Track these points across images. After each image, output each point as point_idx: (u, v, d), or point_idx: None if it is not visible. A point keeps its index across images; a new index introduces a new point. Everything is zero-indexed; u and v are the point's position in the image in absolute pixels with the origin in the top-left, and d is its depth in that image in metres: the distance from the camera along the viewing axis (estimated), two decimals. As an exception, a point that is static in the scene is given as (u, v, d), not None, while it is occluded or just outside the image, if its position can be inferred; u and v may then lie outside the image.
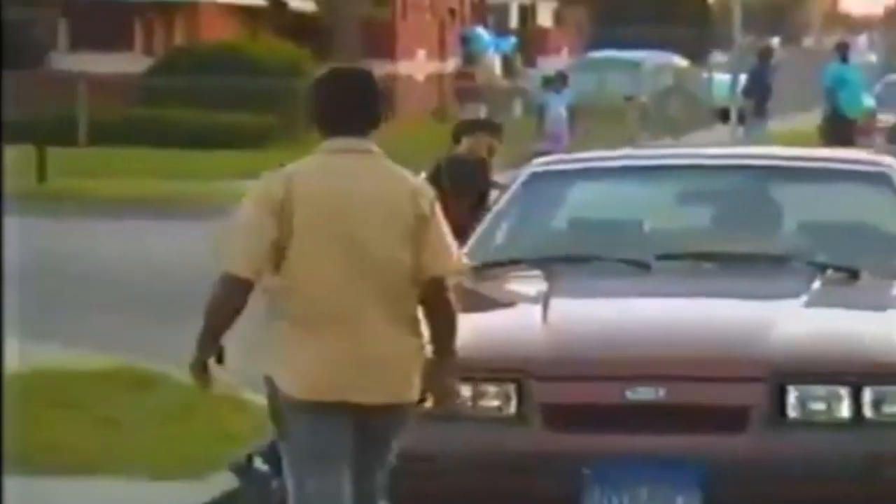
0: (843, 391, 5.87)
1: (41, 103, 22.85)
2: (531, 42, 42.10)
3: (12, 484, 6.83)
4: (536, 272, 7.12)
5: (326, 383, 5.48)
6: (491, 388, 6.10)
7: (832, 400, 5.88)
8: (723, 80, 32.72)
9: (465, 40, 33.55)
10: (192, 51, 32.57)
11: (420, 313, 5.56)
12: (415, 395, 5.50)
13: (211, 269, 5.65)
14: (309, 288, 5.51)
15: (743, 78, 27.61)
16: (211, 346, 5.56)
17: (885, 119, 27.42)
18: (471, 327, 6.64)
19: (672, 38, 41.24)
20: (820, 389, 5.90)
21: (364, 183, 5.54)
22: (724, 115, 30.60)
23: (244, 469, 7.71)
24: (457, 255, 5.67)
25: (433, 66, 39.26)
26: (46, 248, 16.59)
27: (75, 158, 23.92)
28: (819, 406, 5.90)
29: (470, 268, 6.34)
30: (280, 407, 5.57)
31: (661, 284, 6.99)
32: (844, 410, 5.87)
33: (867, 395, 5.85)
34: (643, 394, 5.96)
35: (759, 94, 27.81)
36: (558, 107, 27.54)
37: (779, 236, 7.46)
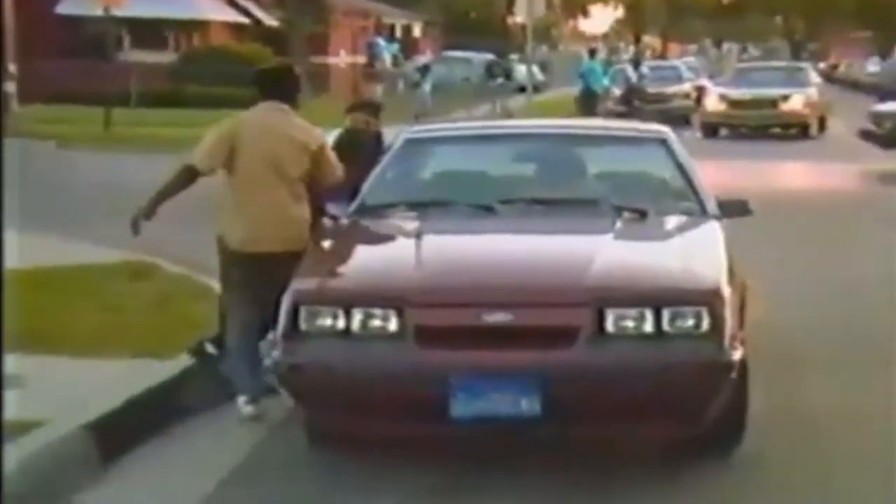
0: (648, 312, 5.41)
1: (110, 81, 24.99)
2: (408, 46, 47.24)
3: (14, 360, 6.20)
4: (411, 214, 6.63)
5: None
6: (377, 312, 5.53)
7: (639, 319, 5.42)
8: (520, 68, 40.21)
9: (370, 45, 37.72)
10: (202, 50, 36.58)
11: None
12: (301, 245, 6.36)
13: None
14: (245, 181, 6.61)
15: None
16: (153, 207, 6.63)
17: (614, 91, 29.73)
18: (362, 260, 6.23)
19: (487, 45, 46.45)
20: (631, 311, 5.43)
21: (280, 125, 6.67)
22: (521, 89, 36.19)
23: (198, 351, 7.19)
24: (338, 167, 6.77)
25: (351, 60, 44.46)
26: (106, 173, 18.14)
27: (128, 116, 26.03)
28: (630, 324, 5.43)
29: (361, 207, 6.78)
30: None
31: (504, 224, 6.53)
32: (648, 326, 5.41)
33: (665, 314, 5.41)
34: (496, 317, 5.43)
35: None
36: (425, 85, 31.34)
37: (586, 187, 7.07)
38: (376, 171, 7.07)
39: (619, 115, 26.62)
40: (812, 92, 27.06)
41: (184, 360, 7.20)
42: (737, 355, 5.48)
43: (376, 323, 5.51)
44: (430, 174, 7.35)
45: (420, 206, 6.70)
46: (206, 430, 6.58)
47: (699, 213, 6.68)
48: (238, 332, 6.69)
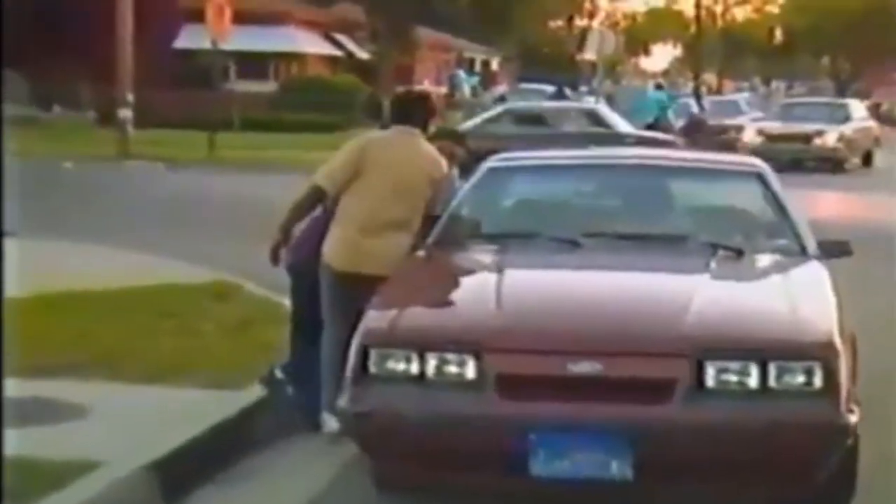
0: (753, 365, 4.32)
1: (216, 108, 24.67)
2: (487, 78, 46.62)
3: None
4: (491, 246, 5.54)
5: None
6: (452, 357, 4.49)
7: (743, 373, 4.33)
8: (589, 99, 37.43)
9: (452, 77, 36.64)
10: (300, 80, 36.08)
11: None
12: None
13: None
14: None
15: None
16: (286, 231, 5.92)
17: (678, 123, 27.61)
18: (438, 298, 5.08)
19: (558, 79, 44.55)
20: (734, 364, 4.34)
21: (410, 151, 5.91)
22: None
23: (269, 380, 6.23)
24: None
25: (434, 90, 43.99)
26: (210, 191, 17.55)
27: (231, 139, 25.41)
28: (732, 378, 4.34)
29: (439, 239, 5.75)
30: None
31: (590, 260, 5.42)
32: (753, 382, 4.32)
33: (772, 368, 4.31)
34: (583, 367, 4.36)
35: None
36: None
37: (676, 222, 5.90)
38: (456, 202, 5.99)
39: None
40: (849, 128, 25.48)
41: (256, 391, 6.24)
42: (853, 418, 4.36)
43: (452, 369, 4.48)
44: (512, 205, 6.25)
45: (501, 239, 5.62)
46: (275, 466, 5.61)
47: (798, 253, 5.53)
48: (330, 347, 5.80)
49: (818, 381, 4.30)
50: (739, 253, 5.35)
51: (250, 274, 9.04)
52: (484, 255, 5.45)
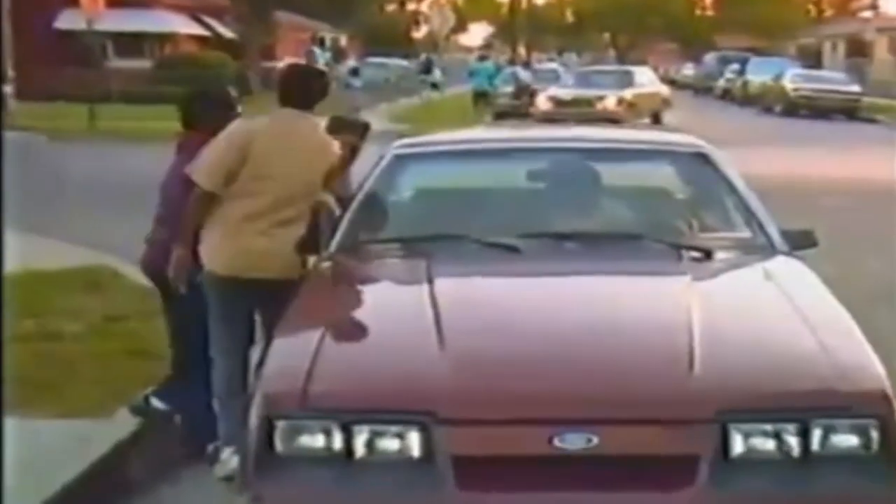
0: (790, 427, 2.62)
1: (97, 85, 21.87)
2: (337, 53, 42.98)
3: None
4: (412, 256, 3.59)
5: None
6: (390, 429, 2.63)
7: (779, 437, 2.62)
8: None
9: (308, 52, 33.97)
10: (173, 56, 33.11)
11: None
12: None
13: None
14: None
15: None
16: (187, 244, 4.01)
17: (505, 89, 26.38)
18: (362, 340, 3.00)
19: (397, 53, 43.98)
20: (766, 427, 2.62)
21: (308, 138, 4.08)
22: (433, 86, 32.88)
23: (144, 410, 4.33)
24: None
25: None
26: (91, 161, 14.66)
27: (111, 110, 22.31)
28: (766, 445, 2.62)
29: (349, 247, 3.76)
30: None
31: (539, 273, 3.50)
32: (793, 448, 2.63)
33: (815, 430, 2.61)
34: (574, 441, 2.56)
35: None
36: (356, 83, 28.28)
37: (623, 216, 4.04)
38: (361, 196, 4.00)
39: (514, 108, 24.56)
40: (630, 92, 24.44)
41: (128, 421, 4.30)
42: None
43: (390, 445, 2.63)
44: (427, 199, 4.26)
45: (420, 243, 3.68)
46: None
47: (768, 248, 3.76)
48: (223, 376, 3.98)
49: (875, 444, 2.63)
50: (707, 254, 3.56)
51: (128, 252, 6.97)
52: (404, 268, 3.54)
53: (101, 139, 18.84)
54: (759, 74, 32.58)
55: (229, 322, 3.99)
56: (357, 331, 3.08)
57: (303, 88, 4.09)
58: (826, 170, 14.98)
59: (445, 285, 3.18)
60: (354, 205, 3.93)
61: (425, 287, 3.16)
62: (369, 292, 3.46)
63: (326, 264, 3.68)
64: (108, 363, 4.96)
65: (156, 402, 4.34)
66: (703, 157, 4.15)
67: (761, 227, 3.84)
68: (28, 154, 16.61)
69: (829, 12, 70.94)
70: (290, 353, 2.90)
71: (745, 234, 3.84)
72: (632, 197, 4.18)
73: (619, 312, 3.07)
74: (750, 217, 3.88)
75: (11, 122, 20.29)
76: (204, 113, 4.31)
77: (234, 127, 4.06)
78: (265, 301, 3.89)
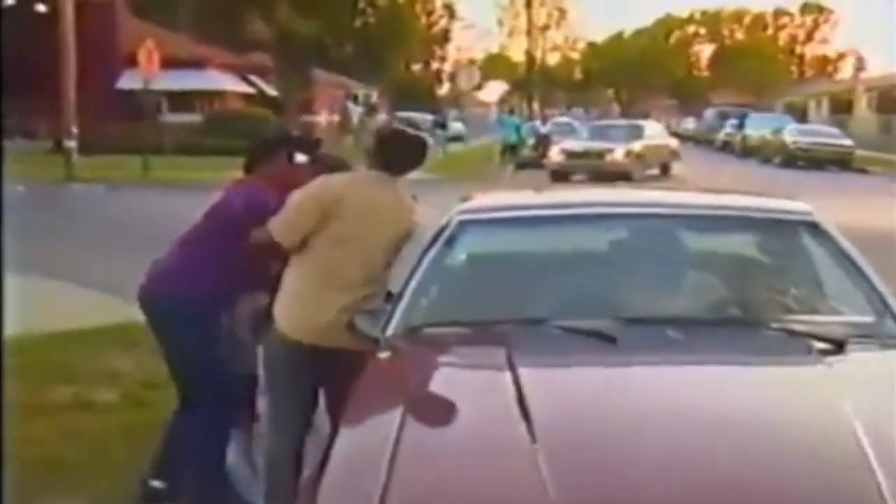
0: None
1: (150, 137, 21.91)
2: (371, 107, 42.75)
3: None
4: (489, 345, 2.63)
5: None
6: None
7: None
8: (454, 124, 35.74)
9: (343, 108, 36.27)
10: (221, 112, 32.60)
11: None
12: None
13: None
14: None
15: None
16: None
17: (529, 141, 25.94)
18: (438, 471, 1.98)
19: (423, 108, 42.33)
20: None
21: (389, 205, 3.32)
22: (454, 139, 31.32)
23: (150, 496, 3.53)
24: None
25: (332, 119, 40.93)
26: (143, 207, 14.04)
27: (163, 161, 22.10)
28: None
29: (411, 332, 2.82)
30: None
31: (648, 373, 2.46)
32: None
33: None
34: None
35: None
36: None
37: (732, 295, 3.07)
38: (421, 270, 3.04)
39: (534, 160, 23.90)
40: (638, 144, 23.26)
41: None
42: None
43: None
44: (499, 272, 3.21)
45: (495, 328, 2.72)
46: None
47: None
48: (281, 441, 3.31)
49: None
50: (839, 346, 2.62)
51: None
52: (482, 364, 2.58)
53: (154, 187, 18.29)
54: (758, 128, 31.78)
55: (295, 390, 3.27)
56: (429, 444, 2.12)
57: (401, 155, 3.37)
58: (832, 217, 14.11)
59: (536, 390, 2.26)
60: (413, 282, 3.03)
61: (511, 392, 2.26)
62: (441, 396, 2.45)
63: (385, 354, 2.78)
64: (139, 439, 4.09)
65: (156, 484, 3.50)
66: (814, 227, 3.19)
67: (889, 309, 2.90)
68: (87, 203, 15.98)
69: (809, 73, 73.10)
70: (356, 470, 2.02)
71: (870, 318, 2.90)
72: (736, 272, 3.22)
73: (769, 436, 2.10)
74: (874, 297, 2.95)
75: (75, 175, 20.12)
76: (266, 157, 3.59)
77: (320, 186, 3.30)
78: (330, 368, 3.17)
